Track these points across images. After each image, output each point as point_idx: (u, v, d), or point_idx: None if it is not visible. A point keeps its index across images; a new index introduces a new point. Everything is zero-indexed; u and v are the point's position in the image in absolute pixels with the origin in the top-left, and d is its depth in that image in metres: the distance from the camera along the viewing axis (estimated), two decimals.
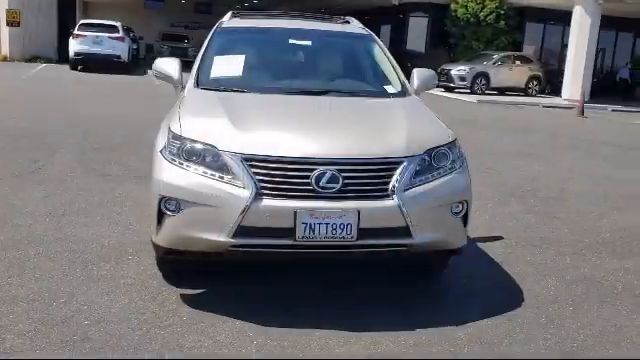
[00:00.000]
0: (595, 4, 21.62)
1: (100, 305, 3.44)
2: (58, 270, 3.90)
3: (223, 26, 4.71)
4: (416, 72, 4.51)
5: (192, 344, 3.06)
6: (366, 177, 3.22)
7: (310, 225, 3.12)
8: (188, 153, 3.29)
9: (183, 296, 3.60)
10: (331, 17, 5.36)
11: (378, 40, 4.84)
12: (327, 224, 3.12)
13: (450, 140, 3.52)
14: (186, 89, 4.08)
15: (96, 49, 19.85)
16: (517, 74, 23.55)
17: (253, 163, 3.17)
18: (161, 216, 3.32)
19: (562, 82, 23.34)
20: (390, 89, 4.32)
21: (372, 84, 4.51)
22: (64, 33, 24.38)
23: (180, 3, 38.16)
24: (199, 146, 3.27)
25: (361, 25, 5.13)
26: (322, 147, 3.26)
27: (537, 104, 20.55)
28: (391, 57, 4.66)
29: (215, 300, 3.56)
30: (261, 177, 3.15)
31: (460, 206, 3.45)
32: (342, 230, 3.14)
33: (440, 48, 27.31)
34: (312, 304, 3.60)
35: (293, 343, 3.10)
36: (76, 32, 20.46)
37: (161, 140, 3.50)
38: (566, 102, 21.25)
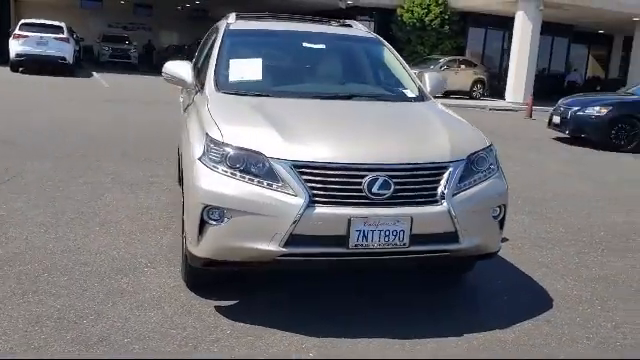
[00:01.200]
0: (536, 10, 22.44)
1: (134, 321, 3.27)
2: (75, 285, 3.69)
3: (232, 28, 4.58)
4: (428, 76, 4.54)
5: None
6: (416, 183, 3.19)
7: (364, 232, 3.07)
8: (232, 160, 3.17)
9: (217, 308, 3.47)
10: (330, 20, 5.30)
11: (387, 44, 4.83)
12: (380, 231, 3.08)
13: (487, 145, 3.55)
14: (207, 92, 3.93)
15: (40, 50, 18.97)
16: (462, 78, 24.14)
17: (303, 170, 3.09)
18: (202, 226, 3.18)
19: (503, 85, 24.13)
20: (409, 93, 4.32)
21: (391, 88, 4.50)
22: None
23: (119, 4, 37.09)
24: (245, 153, 3.16)
25: (366, 28, 5.12)
26: (372, 153, 3.22)
27: (484, 107, 21.10)
28: (402, 60, 4.67)
29: (251, 311, 3.45)
30: (312, 184, 3.07)
31: (498, 210, 3.48)
32: (395, 237, 3.10)
33: None
34: (349, 312, 3.54)
35: (351, 350, 3.05)
36: (17, 32, 19.48)
37: (197, 147, 3.35)
38: (510, 105, 21.98)
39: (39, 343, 2.99)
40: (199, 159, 3.27)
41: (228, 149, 3.19)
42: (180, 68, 4.19)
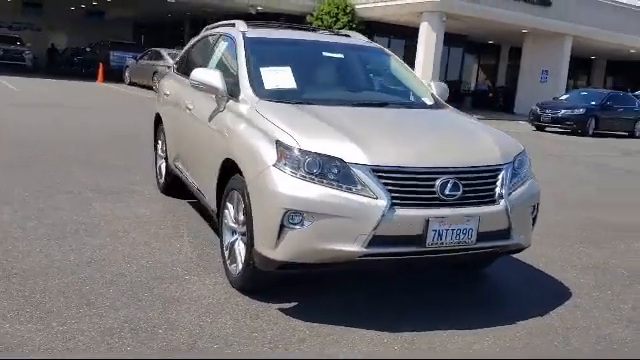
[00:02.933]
0: (440, 21, 23.75)
1: (211, 327, 3.29)
2: (125, 296, 3.62)
3: (250, 36, 4.63)
4: (434, 85, 4.85)
5: (342, 358, 3.09)
6: (480, 184, 3.47)
7: (439, 232, 3.30)
8: (310, 166, 3.28)
9: (283, 310, 3.56)
10: (332, 31, 5.49)
11: (392, 53, 5.10)
12: (453, 230, 3.33)
13: (523, 149, 3.90)
14: (248, 100, 3.98)
15: None
16: None
17: (382, 174, 3.27)
18: (281, 230, 3.27)
19: None
20: (427, 100, 4.61)
21: (410, 95, 4.74)
22: None
23: (4, 2, 34.76)
24: (323, 159, 3.28)
25: (366, 38, 5.36)
26: (442, 157, 3.46)
27: None
28: (409, 68, 4.96)
29: (316, 312, 3.57)
30: (390, 187, 3.26)
31: (532, 209, 3.84)
32: (465, 235, 3.37)
33: None
34: (400, 309, 3.76)
35: (429, 344, 3.27)
36: None
37: (266, 154, 3.42)
38: None
39: (131, 355, 2.96)
40: (274, 166, 3.35)
41: (306, 155, 3.30)
42: (211, 76, 4.21)
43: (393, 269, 4.10)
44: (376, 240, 3.22)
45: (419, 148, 3.54)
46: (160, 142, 6.28)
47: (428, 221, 3.27)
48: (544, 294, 4.16)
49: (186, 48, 6.19)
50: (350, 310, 3.66)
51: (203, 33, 5.94)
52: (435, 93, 4.76)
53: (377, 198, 3.21)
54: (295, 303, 3.68)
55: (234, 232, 3.91)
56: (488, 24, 25.23)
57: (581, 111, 19.44)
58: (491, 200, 3.49)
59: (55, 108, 13.51)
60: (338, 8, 26.80)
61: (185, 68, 5.80)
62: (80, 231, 4.79)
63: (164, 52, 22.37)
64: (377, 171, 3.27)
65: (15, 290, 3.58)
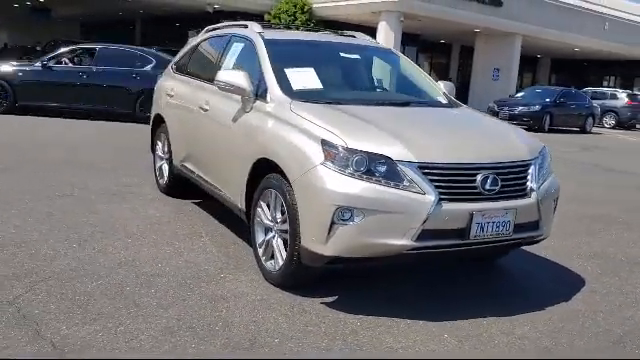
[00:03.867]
0: (398, 21, 24.16)
1: (266, 323, 3.36)
2: (169, 295, 3.65)
3: (268, 38, 4.70)
4: (442, 84, 5.05)
5: (400, 346, 3.22)
6: (514, 178, 3.67)
7: (481, 225, 3.48)
8: (358, 164, 3.39)
9: (327, 304, 3.67)
10: (336, 31, 5.61)
11: (401, 54, 5.26)
12: (493, 222, 3.52)
13: (543, 145, 4.13)
14: (281, 101, 4.06)
15: None
16: None
17: (427, 171, 3.42)
18: (332, 226, 3.38)
19: None
20: (441, 99, 4.79)
21: (427, 94, 4.90)
22: None
23: None
24: (370, 157, 3.40)
25: (371, 39, 5.50)
26: (481, 153, 3.65)
27: None
28: (419, 68, 5.13)
29: (359, 304, 3.68)
30: (436, 183, 3.41)
31: (554, 202, 4.07)
32: (503, 227, 3.56)
33: None
34: (445, 299, 3.94)
35: (475, 330, 3.44)
36: None
37: (311, 153, 3.51)
38: None
39: (195, 350, 3.01)
40: (322, 164, 3.46)
41: (354, 153, 3.41)
42: (238, 77, 4.26)
43: (434, 261, 4.25)
44: (424, 234, 3.37)
45: (458, 145, 3.71)
46: (160, 143, 6.26)
47: (472, 215, 3.44)
48: (560, 282, 4.41)
49: (187, 49, 6.18)
50: (391, 302, 3.79)
51: (205, 35, 5.95)
52: (446, 92, 4.95)
53: (425, 194, 3.36)
54: (335, 297, 3.79)
55: (269, 230, 3.99)
56: (443, 24, 25.82)
57: (537, 108, 20.11)
58: (524, 193, 3.69)
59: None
60: (296, 7, 26.90)
61: (190, 69, 5.81)
62: (96, 233, 4.76)
63: None
64: (423, 168, 3.41)
65: (57, 293, 3.56)
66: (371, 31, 25.48)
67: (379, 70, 5.12)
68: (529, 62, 38.40)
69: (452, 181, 3.46)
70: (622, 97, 27.18)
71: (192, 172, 5.38)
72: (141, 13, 33.20)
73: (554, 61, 40.77)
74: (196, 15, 28.49)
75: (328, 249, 3.42)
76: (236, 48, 5.00)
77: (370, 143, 3.47)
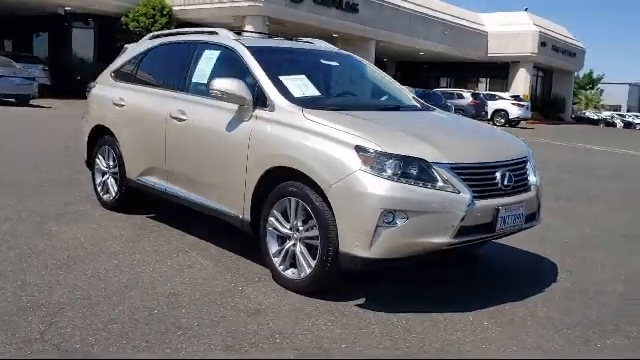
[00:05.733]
0: (263, 24, 24.35)
1: (319, 330, 3.37)
2: (201, 313, 3.51)
3: (251, 45, 4.63)
4: (406, 89, 5.33)
5: (455, 338, 3.40)
6: (520, 174, 4.02)
7: (504, 218, 3.77)
8: (395, 167, 3.51)
9: (363, 306, 3.75)
10: (292, 38, 5.64)
11: (365, 60, 5.45)
12: (512, 215, 3.83)
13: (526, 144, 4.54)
14: (290, 109, 4.03)
15: None
16: None
17: (459, 171, 3.64)
18: (376, 229, 3.47)
19: None
20: (416, 103, 5.04)
21: (405, 99, 5.08)
22: None
23: None
24: (407, 160, 3.54)
25: (327, 44, 5.62)
26: (495, 152, 3.94)
27: None
28: (385, 73, 5.36)
29: (391, 303, 3.81)
30: (468, 182, 3.65)
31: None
32: (518, 219, 3.90)
33: (111, 61, 26.53)
34: (461, 293, 4.19)
35: (506, 315, 3.73)
36: None
37: (347, 159, 3.56)
38: None
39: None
40: (360, 170, 3.53)
41: (390, 157, 3.53)
42: (236, 86, 4.17)
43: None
44: (461, 230, 3.58)
45: (474, 145, 3.99)
46: (101, 157, 5.86)
47: (498, 209, 3.72)
48: (544, 255, 4.89)
49: (130, 57, 5.83)
50: (417, 298, 3.97)
51: (154, 41, 5.68)
52: (415, 96, 5.22)
53: (459, 193, 3.57)
54: (362, 299, 3.88)
55: (286, 238, 3.98)
56: (306, 28, 26.43)
57: None
58: (527, 187, 4.06)
59: None
60: (155, 9, 26.06)
61: (144, 78, 5.52)
62: (74, 257, 4.40)
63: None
64: (455, 168, 3.63)
65: (83, 325, 3.27)
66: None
67: (357, 76, 5.26)
68: (377, 65, 40.46)
69: (479, 179, 3.72)
70: (467, 97, 29.80)
71: (156, 186, 5.13)
72: None
73: (398, 64, 43.43)
74: (47, 17, 26.46)
75: (373, 252, 3.51)
76: (210, 56, 4.85)
77: (403, 146, 3.61)
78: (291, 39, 5.62)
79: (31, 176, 7.30)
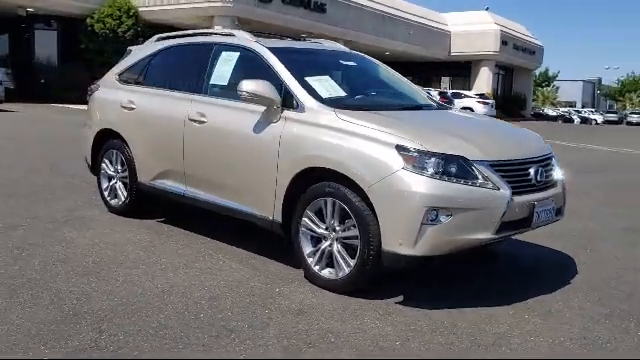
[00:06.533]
0: (233, 25, 24.19)
1: (373, 330, 3.39)
2: (246, 316, 3.50)
3: (272, 46, 4.63)
4: (417, 88, 5.41)
5: (502, 331, 3.48)
6: (548, 170, 4.12)
7: (539, 213, 3.87)
8: (437, 166, 3.56)
9: (404, 304, 3.79)
10: (299, 38, 5.65)
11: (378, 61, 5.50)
12: (545, 210, 3.94)
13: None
14: (323, 110, 4.03)
15: None
16: None
17: (498, 168, 3.72)
18: (421, 227, 3.52)
19: None
20: (431, 102, 5.12)
21: (421, 98, 5.13)
22: None
23: None
24: (448, 158, 3.59)
25: (340, 45, 5.65)
26: (527, 149, 4.04)
27: None
28: (398, 73, 5.43)
29: (428, 300, 3.86)
30: (506, 179, 3.73)
31: None
32: (550, 213, 4.01)
33: (75, 63, 26.02)
34: (493, 288, 4.28)
35: (549, 309, 3.83)
36: None
37: (389, 159, 3.59)
38: None
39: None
40: (403, 169, 3.57)
41: (432, 156, 3.58)
42: (263, 87, 4.15)
43: None
44: (502, 226, 3.66)
45: (506, 143, 4.08)
46: (108, 161, 5.76)
47: (534, 205, 3.81)
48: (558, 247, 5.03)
49: (136, 59, 5.74)
50: (446, 294, 4.03)
51: (162, 43, 5.61)
52: (428, 95, 5.31)
53: (499, 189, 3.65)
54: (400, 296, 3.92)
55: (321, 239, 3.99)
56: (274, 28, 26.35)
57: None
58: (554, 183, 4.17)
59: None
60: (121, 10, 25.63)
61: (155, 80, 5.43)
62: (100, 263, 4.33)
63: None
64: (494, 165, 3.70)
65: (134, 331, 3.23)
66: None
67: (372, 76, 5.29)
68: None
69: (516, 176, 3.80)
70: (435, 95, 30.17)
71: (173, 189, 5.07)
72: None
73: None
74: (7, 18, 25.72)
75: (417, 250, 3.55)
76: (228, 57, 4.81)
77: (443, 145, 3.67)
78: (298, 39, 5.63)
79: (25, 182, 7.12)
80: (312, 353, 3.10)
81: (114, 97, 5.70)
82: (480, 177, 3.63)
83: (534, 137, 4.47)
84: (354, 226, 3.78)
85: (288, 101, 4.22)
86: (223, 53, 4.88)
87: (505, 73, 47.74)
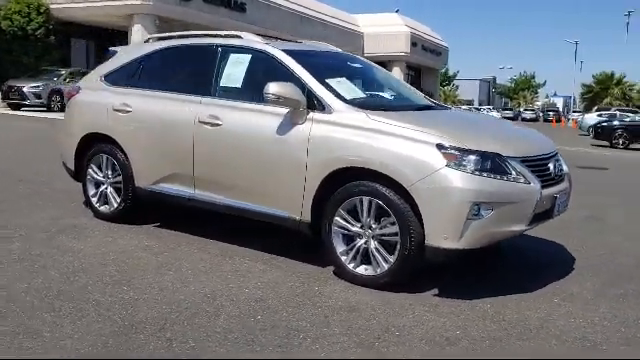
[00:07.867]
0: (153, 24, 23.56)
1: (428, 324, 3.53)
2: (299, 316, 3.54)
3: (287, 48, 4.65)
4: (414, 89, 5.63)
5: (541, 315, 3.72)
6: (560, 165, 4.44)
7: (558, 204, 4.17)
8: (476, 163, 3.76)
9: (442, 296, 3.96)
10: (301, 41, 5.70)
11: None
12: (562, 201, 4.25)
13: None
14: (351, 111, 4.11)
15: None
16: None
17: (528, 163, 3.97)
18: (465, 222, 3.71)
19: None
20: (431, 102, 5.33)
21: (422, 99, 5.32)
22: None
23: None
24: (486, 155, 3.80)
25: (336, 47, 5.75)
26: (545, 146, 4.33)
27: None
28: (394, 75, 5.61)
29: (463, 290, 4.06)
30: (535, 174, 3.99)
31: None
32: (564, 204, 4.34)
33: None
34: (515, 277, 4.53)
35: (570, 294, 4.13)
36: None
37: (431, 157, 3.74)
38: None
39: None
40: (446, 166, 3.74)
41: (471, 154, 3.77)
42: (289, 89, 4.17)
43: None
44: (534, 218, 3.93)
45: (529, 140, 4.35)
46: (95, 167, 5.54)
47: (556, 197, 4.11)
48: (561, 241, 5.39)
49: (128, 60, 5.52)
50: (475, 285, 4.24)
51: (159, 44, 5.46)
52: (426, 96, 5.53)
53: (530, 183, 3.90)
54: (435, 289, 4.08)
55: (355, 236, 4.09)
56: (196, 27, 25.87)
57: None
58: (563, 177, 4.49)
59: None
60: (30, 7, 24.27)
61: (152, 83, 5.26)
62: (124, 271, 4.20)
63: None
64: (525, 161, 3.96)
65: (201, 336, 3.20)
66: (123, 34, 24.36)
67: (375, 77, 5.41)
68: None
69: (541, 170, 4.08)
70: None
71: (179, 193, 4.97)
72: None
73: None
74: None
75: (461, 243, 3.73)
76: (238, 60, 4.77)
77: (479, 143, 3.87)
78: (297, 42, 5.68)
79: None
80: (392, 352, 3.17)
81: (101, 100, 5.48)
82: (514, 172, 3.87)
83: (541, 135, 4.79)
84: (393, 223, 3.90)
85: (311, 103, 4.28)
86: (231, 55, 4.84)
87: (414, 73, 49.43)
